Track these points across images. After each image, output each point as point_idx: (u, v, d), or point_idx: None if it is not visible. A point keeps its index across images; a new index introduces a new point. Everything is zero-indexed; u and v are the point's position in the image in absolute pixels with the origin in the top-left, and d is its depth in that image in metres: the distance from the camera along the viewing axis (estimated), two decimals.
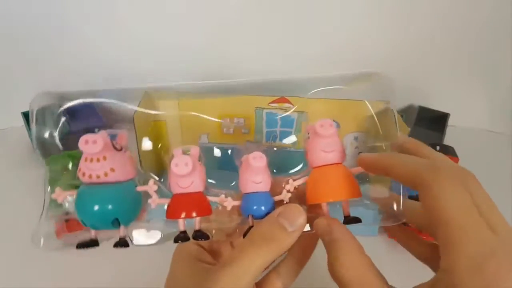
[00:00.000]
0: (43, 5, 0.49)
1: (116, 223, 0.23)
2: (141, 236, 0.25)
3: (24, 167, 0.50)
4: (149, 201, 0.24)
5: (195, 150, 0.25)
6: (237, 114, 0.43)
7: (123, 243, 0.23)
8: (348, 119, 0.40)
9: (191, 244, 0.26)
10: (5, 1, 0.49)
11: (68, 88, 0.29)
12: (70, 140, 0.29)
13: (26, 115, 0.52)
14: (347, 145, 0.47)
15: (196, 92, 0.43)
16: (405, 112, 0.64)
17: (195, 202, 0.24)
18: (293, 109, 0.42)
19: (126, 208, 0.23)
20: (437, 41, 0.56)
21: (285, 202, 0.26)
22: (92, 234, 0.23)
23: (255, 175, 0.25)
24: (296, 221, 0.22)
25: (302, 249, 0.25)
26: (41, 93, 0.28)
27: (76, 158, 0.24)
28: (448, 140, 0.56)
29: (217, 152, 0.35)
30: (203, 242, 0.26)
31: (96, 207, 0.22)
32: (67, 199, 0.24)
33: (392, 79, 0.32)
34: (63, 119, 0.27)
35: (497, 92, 0.61)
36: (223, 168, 0.36)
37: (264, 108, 0.42)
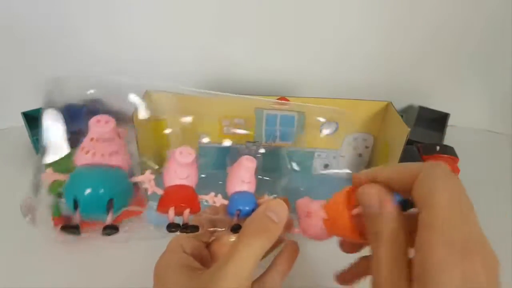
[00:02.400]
0: (43, 5, 0.49)
1: (107, 208, 0.22)
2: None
3: (24, 167, 0.50)
4: (145, 186, 0.24)
5: (192, 151, 0.26)
6: (237, 114, 0.43)
7: (112, 226, 0.22)
8: (347, 119, 0.40)
9: (177, 253, 0.26)
10: (6, 2, 0.49)
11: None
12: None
13: (26, 115, 0.52)
14: (346, 145, 0.47)
15: (197, 92, 0.43)
16: (405, 112, 0.64)
17: (187, 196, 0.25)
18: (293, 109, 0.42)
19: (121, 195, 0.23)
20: (437, 41, 0.56)
21: None
22: (77, 219, 0.22)
23: (245, 173, 0.27)
24: (281, 213, 0.24)
25: (285, 261, 0.27)
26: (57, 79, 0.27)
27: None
28: (448, 140, 0.56)
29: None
30: (188, 248, 0.27)
31: (94, 185, 0.21)
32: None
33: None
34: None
35: (497, 92, 0.61)
36: (220, 168, 0.36)
37: (264, 109, 0.42)
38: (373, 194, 0.21)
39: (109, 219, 0.22)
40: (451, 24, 0.54)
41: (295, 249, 0.28)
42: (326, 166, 0.49)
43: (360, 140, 0.47)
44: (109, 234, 0.22)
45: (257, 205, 0.27)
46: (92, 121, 0.22)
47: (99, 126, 0.22)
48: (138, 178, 0.24)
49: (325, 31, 0.55)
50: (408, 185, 0.20)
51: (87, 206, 0.21)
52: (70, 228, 0.21)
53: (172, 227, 0.24)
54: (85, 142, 0.23)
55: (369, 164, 0.50)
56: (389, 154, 0.43)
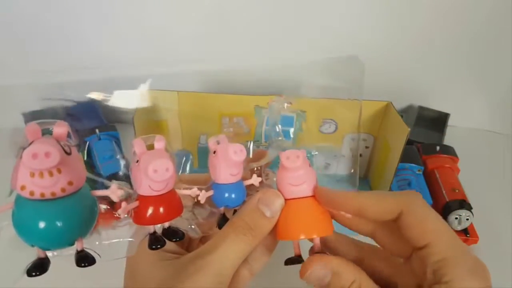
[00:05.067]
0: (44, 5, 0.49)
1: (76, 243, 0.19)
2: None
3: None
4: (119, 211, 0.20)
5: (161, 142, 0.21)
6: (237, 113, 0.44)
7: (91, 260, 0.19)
8: (347, 119, 0.40)
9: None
10: (6, 1, 0.49)
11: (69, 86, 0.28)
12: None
13: (26, 115, 0.52)
14: (345, 145, 0.48)
15: (197, 91, 0.43)
16: (405, 112, 0.64)
17: (167, 204, 0.22)
18: (292, 108, 0.42)
19: (87, 220, 0.19)
20: (437, 41, 0.56)
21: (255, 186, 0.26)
22: (41, 252, 0.19)
23: (234, 168, 0.24)
24: (275, 206, 0.22)
25: (269, 235, 0.24)
26: None
27: None
28: (448, 140, 0.56)
29: None
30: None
31: (57, 228, 0.17)
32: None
33: (362, 63, 0.32)
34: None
35: (497, 92, 0.61)
36: None
37: (263, 107, 0.42)
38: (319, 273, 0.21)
39: (79, 246, 0.19)
40: (451, 24, 0.54)
41: (271, 242, 0.25)
42: (326, 166, 0.49)
43: (360, 140, 0.48)
44: (85, 266, 0.19)
45: (245, 191, 0.25)
46: (26, 158, 0.16)
47: (38, 163, 0.16)
48: (102, 193, 0.20)
49: (324, 30, 0.55)
50: (386, 215, 0.21)
51: (47, 249, 0.19)
52: (35, 268, 0.19)
53: (153, 244, 0.21)
54: (22, 177, 0.17)
55: (369, 164, 0.50)
56: (389, 154, 0.43)
